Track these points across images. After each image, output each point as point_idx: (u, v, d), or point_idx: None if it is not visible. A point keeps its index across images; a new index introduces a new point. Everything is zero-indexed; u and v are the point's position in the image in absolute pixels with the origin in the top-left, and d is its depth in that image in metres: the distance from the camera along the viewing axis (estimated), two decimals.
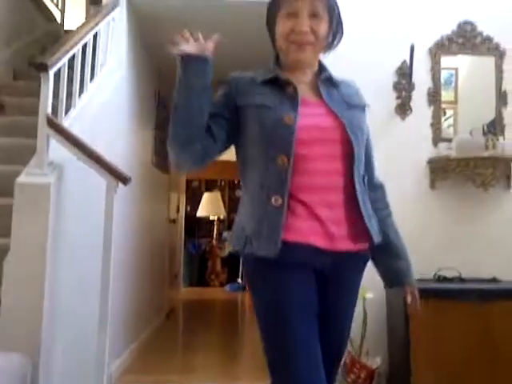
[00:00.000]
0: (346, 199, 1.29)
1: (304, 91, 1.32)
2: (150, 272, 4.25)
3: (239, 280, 8.04)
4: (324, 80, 1.36)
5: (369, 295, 2.78)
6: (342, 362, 2.72)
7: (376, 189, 1.44)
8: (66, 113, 2.21)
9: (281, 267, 1.22)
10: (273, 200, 1.23)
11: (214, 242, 8.55)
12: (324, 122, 1.29)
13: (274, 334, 1.23)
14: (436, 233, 3.07)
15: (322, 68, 1.39)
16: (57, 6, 4.62)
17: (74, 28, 4.56)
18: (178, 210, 5.95)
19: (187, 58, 1.25)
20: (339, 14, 1.39)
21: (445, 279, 2.76)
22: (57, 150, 2.02)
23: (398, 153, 3.09)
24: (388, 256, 1.45)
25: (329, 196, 1.27)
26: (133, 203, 3.51)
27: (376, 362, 2.75)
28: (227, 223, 9.35)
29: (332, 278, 1.31)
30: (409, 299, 1.45)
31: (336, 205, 1.27)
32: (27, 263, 1.84)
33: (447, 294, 2.64)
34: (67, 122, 2.17)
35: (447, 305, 2.63)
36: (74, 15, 4.90)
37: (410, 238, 3.01)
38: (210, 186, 9.18)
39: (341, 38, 1.41)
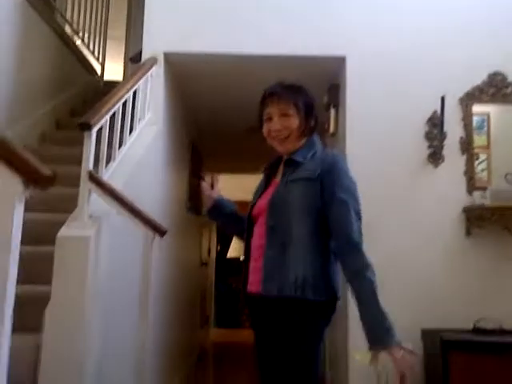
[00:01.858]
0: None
1: (280, 173, 1.69)
2: (182, 317, 4.27)
3: None
4: (286, 162, 1.67)
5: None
6: None
7: (344, 254, 1.53)
8: (106, 165, 2.30)
9: None
10: None
11: None
12: (264, 200, 1.66)
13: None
14: (474, 283, 3.00)
15: (294, 152, 1.66)
16: (97, 59, 4.88)
17: (113, 79, 4.85)
18: (209, 253, 6.00)
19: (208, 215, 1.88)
20: (310, 103, 1.70)
21: (484, 331, 2.68)
22: (96, 202, 2.10)
23: (432, 200, 3.09)
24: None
25: (251, 249, 1.67)
26: (168, 250, 3.57)
27: None
28: None
29: None
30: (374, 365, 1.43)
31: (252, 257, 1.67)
32: (67, 313, 1.88)
33: (485, 347, 2.57)
34: (107, 174, 2.26)
35: (485, 357, 2.55)
36: (112, 68, 5.16)
37: (447, 287, 3.00)
38: None
39: (316, 120, 1.72)
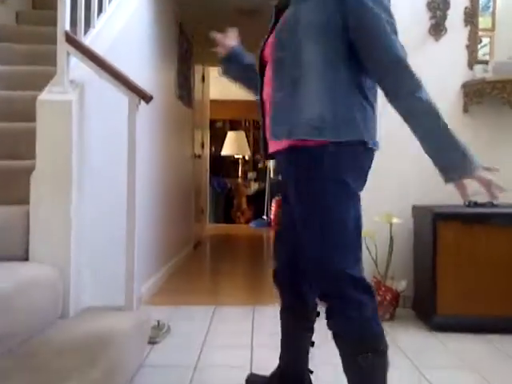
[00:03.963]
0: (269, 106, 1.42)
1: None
2: (176, 203, 4.30)
3: (264, 217, 8.11)
4: None
5: (395, 221, 2.75)
6: None
7: (389, 74, 1.26)
8: (85, 32, 2.15)
9: None
10: None
11: (240, 180, 8.58)
12: (272, 37, 1.42)
13: None
14: None
15: None
16: None
17: None
18: (202, 146, 5.93)
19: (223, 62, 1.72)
20: None
21: (476, 205, 2.69)
22: (78, 67, 1.98)
23: (431, 75, 2.96)
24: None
25: (265, 106, 1.47)
26: (158, 134, 3.49)
27: (401, 285, 2.75)
28: (252, 164, 9.35)
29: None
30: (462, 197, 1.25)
31: (266, 113, 1.45)
32: (53, 178, 1.84)
33: (477, 218, 2.59)
34: (87, 41, 2.11)
35: (477, 229, 2.58)
36: None
37: None
38: (234, 126, 9.09)
39: None
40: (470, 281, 2.57)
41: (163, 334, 2.39)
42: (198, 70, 5.58)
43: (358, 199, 1.36)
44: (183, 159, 4.71)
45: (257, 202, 8.43)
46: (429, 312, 2.61)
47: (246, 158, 9.11)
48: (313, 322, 1.63)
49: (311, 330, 1.64)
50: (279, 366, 1.70)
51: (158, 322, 2.46)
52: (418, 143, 1.29)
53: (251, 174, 9.18)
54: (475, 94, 2.92)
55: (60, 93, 1.91)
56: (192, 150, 5.18)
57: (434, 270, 2.58)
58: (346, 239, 1.31)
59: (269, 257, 5.37)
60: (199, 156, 5.46)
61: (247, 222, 8.22)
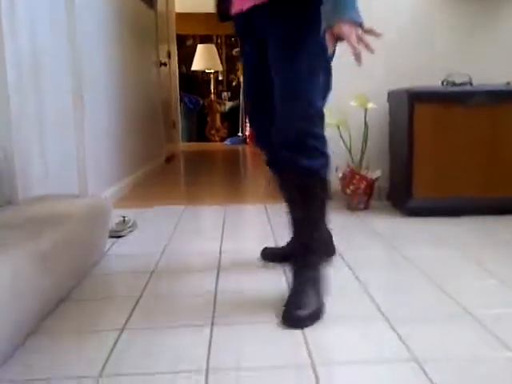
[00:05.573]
0: None
1: None
2: (141, 112, 4.07)
3: (240, 134, 7.92)
4: None
5: (370, 105, 2.61)
6: (340, 175, 2.62)
7: None
8: None
9: None
10: None
11: (213, 96, 8.28)
12: None
13: None
14: (446, 38, 2.81)
15: None
16: None
17: None
18: (169, 56, 5.59)
19: None
20: None
21: (453, 85, 2.56)
22: None
23: None
24: None
25: None
26: (113, 33, 3.21)
27: (376, 173, 2.66)
28: (225, 83, 8.99)
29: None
30: (329, 46, 1.21)
31: None
32: None
33: (456, 97, 2.46)
34: None
35: (455, 109, 2.46)
36: None
37: (416, 44, 2.81)
38: (205, 42, 8.62)
39: None
40: (446, 163, 2.49)
41: (129, 229, 2.28)
42: None
43: None
44: (146, 65, 4.42)
45: (231, 120, 8.21)
46: (404, 198, 2.54)
47: (220, 77, 8.76)
48: None
49: None
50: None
51: (124, 217, 2.34)
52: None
53: (225, 94, 8.87)
54: None
55: None
56: (156, 56, 4.87)
57: (411, 153, 2.48)
58: (325, 84, 1.40)
59: (246, 167, 5.26)
60: (165, 64, 5.14)
61: (222, 140, 8.03)
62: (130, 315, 1.37)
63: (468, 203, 2.49)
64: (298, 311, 1.29)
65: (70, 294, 1.52)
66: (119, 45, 3.38)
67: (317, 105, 1.36)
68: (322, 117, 1.39)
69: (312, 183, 1.39)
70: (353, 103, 2.58)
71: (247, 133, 7.57)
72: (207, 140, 8.12)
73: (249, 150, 6.64)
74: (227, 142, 7.72)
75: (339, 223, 2.36)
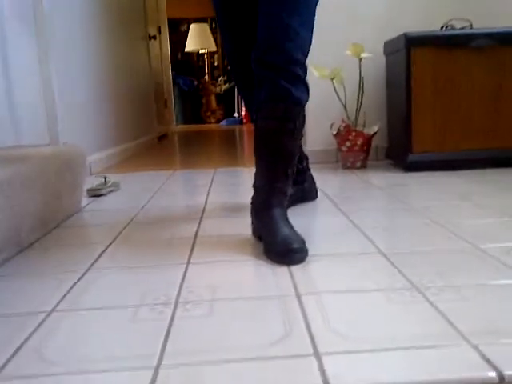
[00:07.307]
0: None
1: None
2: (129, 84, 3.92)
3: (236, 115, 7.76)
4: None
5: (365, 55, 2.45)
6: (335, 132, 2.48)
7: None
8: None
9: None
10: None
11: (207, 78, 8.11)
12: None
13: None
14: None
15: None
16: None
17: None
18: (159, 31, 5.43)
19: None
20: None
21: (453, 29, 2.40)
22: None
23: None
24: None
25: None
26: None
27: (373, 128, 2.51)
28: (221, 67, 8.80)
29: None
30: None
31: None
32: None
33: (456, 41, 2.30)
34: None
35: (455, 53, 2.30)
36: None
37: None
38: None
39: None
40: (447, 113, 2.33)
41: (109, 188, 2.14)
42: None
43: None
44: (132, 38, 4.26)
45: (227, 102, 8.05)
46: (404, 153, 2.39)
47: (216, 63, 8.59)
48: None
49: None
50: None
51: (105, 177, 2.20)
52: None
53: (221, 78, 8.69)
54: None
55: None
56: (144, 31, 4.70)
57: (409, 104, 2.33)
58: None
59: (242, 143, 5.13)
60: (154, 37, 4.98)
61: (218, 121, 7.87)
62: (97, 258, 1.23)
63: (473, 155, 2.34)
64: (295, 244, 1.15)
65: (34, 243, 1.39)
66: (101, 13, 3.22)
67: (307, 37, 1.28)
68: (306, 52, 1.30)
69: (293, 110, 1.27)
70: (348, 52, 2.42)
71: (243, 113, 7.42)
72: (203, 122, 7.97)
73: (245, 129, 6.48)
74: (223, 122, 7.57)
75: (335, 180, 2.21)
